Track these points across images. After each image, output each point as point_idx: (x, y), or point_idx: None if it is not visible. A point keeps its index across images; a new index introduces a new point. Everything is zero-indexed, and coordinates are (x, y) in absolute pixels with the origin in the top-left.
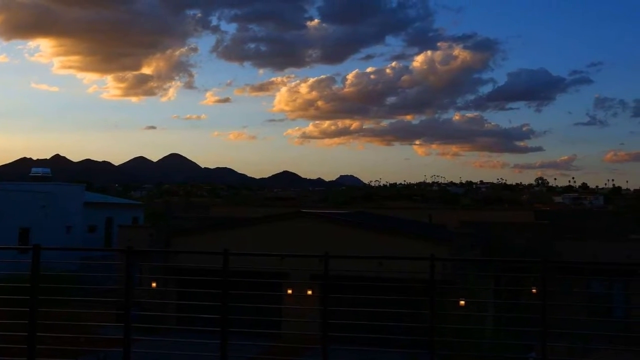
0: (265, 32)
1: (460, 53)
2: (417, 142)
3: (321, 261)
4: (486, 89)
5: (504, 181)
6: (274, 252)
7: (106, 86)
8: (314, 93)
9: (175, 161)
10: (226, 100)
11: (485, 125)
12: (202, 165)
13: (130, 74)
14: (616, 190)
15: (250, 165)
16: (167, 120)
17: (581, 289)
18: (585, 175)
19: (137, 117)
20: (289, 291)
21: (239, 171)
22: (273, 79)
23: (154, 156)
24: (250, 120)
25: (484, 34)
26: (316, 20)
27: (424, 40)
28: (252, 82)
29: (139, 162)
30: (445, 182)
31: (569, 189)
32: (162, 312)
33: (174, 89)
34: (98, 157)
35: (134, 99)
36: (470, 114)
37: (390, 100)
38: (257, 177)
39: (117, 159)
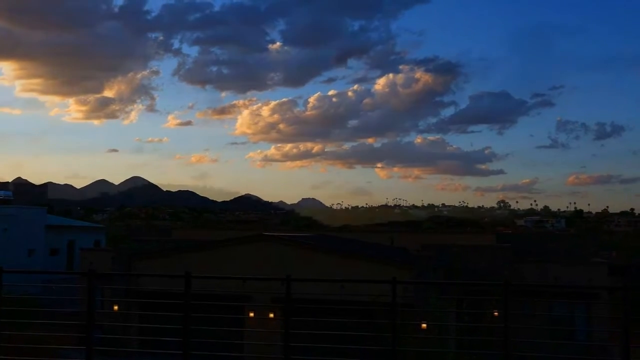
0: (227, 55)
1: (422, 76)
2: (379, 165)
3: (283, 284)
4: (448, 112)
5: (465, 204)
6: (236, 275)
7: (68, 109)
8: (276, 116)
9: (137, 184)
10: (188, 123)
11: (447, 148)
12: (164, 189)
13: (92, 97)
14: (578, 213)
15: (212, 188)
16: (129, 143)
17: (543, 312)
18: (547, 198)
19: (99, 140)
20: (251, 314)
21: (201, 194)
22: (235, 102)
23: (116, 179)
24: (212, 143)
25: (445, 57)
26: (278, 44)
27: (386, 64)
28: (214, 105)
29: (101, 185)
30: (407, 205)
31: (531, 212)
32: (124, 335)
33: (135, 112)
34: (60, 180)
35: (96, 122)
36: (432, 137)
37: (352, 123)
38: (219, 200)
39: (79, 182)
